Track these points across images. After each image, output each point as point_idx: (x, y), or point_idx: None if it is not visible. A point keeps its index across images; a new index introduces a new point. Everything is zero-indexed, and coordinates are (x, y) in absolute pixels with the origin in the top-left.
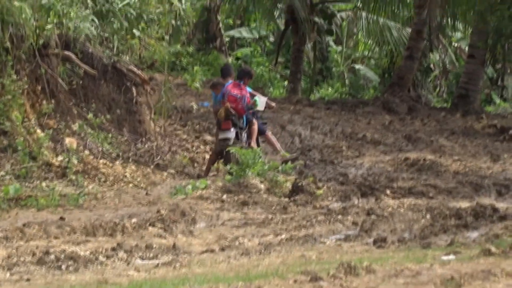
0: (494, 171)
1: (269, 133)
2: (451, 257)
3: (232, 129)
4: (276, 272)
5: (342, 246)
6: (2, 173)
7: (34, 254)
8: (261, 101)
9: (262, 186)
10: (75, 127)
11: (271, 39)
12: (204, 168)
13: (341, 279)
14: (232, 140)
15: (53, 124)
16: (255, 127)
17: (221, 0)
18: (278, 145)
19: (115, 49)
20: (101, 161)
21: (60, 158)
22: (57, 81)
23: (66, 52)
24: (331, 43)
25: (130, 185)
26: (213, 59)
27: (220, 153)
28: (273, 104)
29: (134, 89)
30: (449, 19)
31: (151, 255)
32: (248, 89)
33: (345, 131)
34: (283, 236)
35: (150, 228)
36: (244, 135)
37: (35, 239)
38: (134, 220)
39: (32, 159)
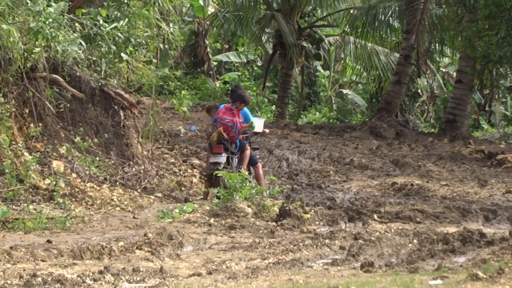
0: (481, 196)
1: (259, 166)
2: (438, 282)
3: (223, 154)
4: None
5: (329, 270)
6: None
7: (21, 277)
8: (258, 123)
9: (249, 210)
10: (62, 150)
11: (259, 63)
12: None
13: None
14: (222, 165)
15: (41, 147)
16: (248, 152)
17: (209, 24)
18: (264, 182)
19: (102, 72)
20: (88, 184)
21: (47, 181)
22: (44, 104)
23: (54, 75)
24: (319, 67)
25: (117, 208)
26: (200, 83)
27: (210, 176)
28: (267, 130)
29: (121, 113)
30: (437, 45)
31: (138, 278)
32: (244, 111)
33: (333, 156)
34: (270, 260)
35: (137, 252)
36: (235, 160)
37: (22, 262)
38: (121, 243)
39: (19, 182)
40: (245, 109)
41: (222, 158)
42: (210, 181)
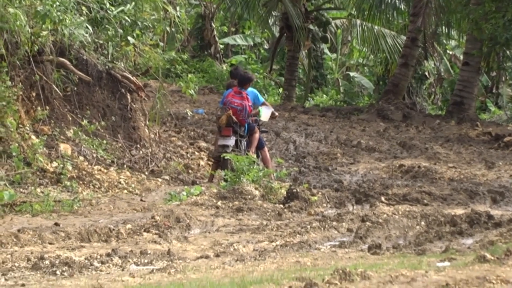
0: (489, 178)
1: (266, 150)
2: (446, 263)
3: (232, 137)
4: (271, 278)
5: (337, 253)
6: None
7: (28, 260)
8: (264, 112)
9: (257, 192)
10: (69, 133)
11: (266, 46)
12: (199, 174)
13: (336, 285)
14: (230, 148)
15: (48, 130)
16: (257, 136)
17: (216, 7)
18: (271, 165)
19: (109, 55)
20: (95, 167)
21: (54, 164)
22: (51, 88)
23: (61, 59)
24: (326, 50)
25: (125, 191)
26: (207, 66)
27: (217, 159)
28: (276, 113)
29: (128, 96)
30: (443, 27)
31: (146, 261)
32: (254, 92)
33: (340, 138)
34: (277, 242)
35: (145, 234)
36: (244, 143)
37: (30, 244)
38: (128, 226)
39: (27, 165)
40: (255, 91)
41: (231, 141)
42: (218, 163)
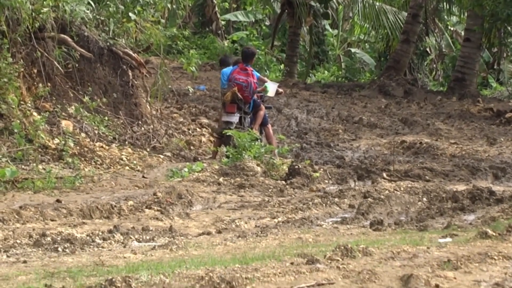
0: (490, 154)
1: (270, 127)
2: (448, 239)
3: (236, 113)
4: (273, 255)
5: (338, 229)
6: None
7: (30, 236)
8: (271, 87)
9: (258, 169)
10: (71, 110)
11: (267, 22)
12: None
13: (337, 261)
14: (234, 125)
15: (49, 107)
16: (262, 113)
17: None
18: (275, 142)
19: (111, 32)
20: (97, 144)
21: (56, 141)
22: (53, 64)
23: (62, 35)
24: (327, 26)
25: (127, 167)
26: (209, 42)
27: (221, 135)
28: (281, 90)
29: (130, 72)
30: (445, 3)
31: (148, 237)
32: (256, 74)
33: (342, 114)
34: (279, 218)
35: (147, 211)
36: (247, 120)
37: (32, 221)
38: (130, 202)
39: (29, 141)
40: (256, 73)
41: (235, 118)
42: (221, 139)
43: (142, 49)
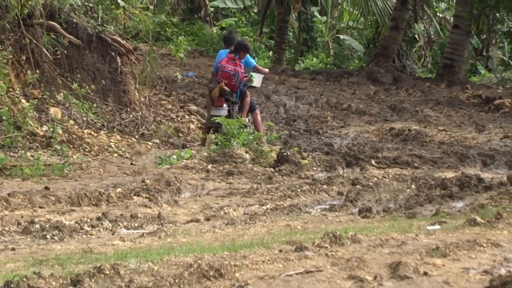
0: (479, 141)
1: (258, 113)
2: (436, 227)
3: (224, 106)
4: (262, 242)
5: (327, 216)
6: None
7: (19, 224)
8: (257, 78)
9: (247, 156)
10: (59, 97)
11: (256, 9)
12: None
13: (326, 248)
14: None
15: (38, 94)
16: (248, 100)
17: None
18: (262, 128)
19: (99, 19)
20: (85, 131)
21: (44, 128)
22: (41, 51)
23: (51, 22)
24: (316, 13)
25: (115, 155)
26: (197, 29)
27: (209, 129)
28: (266, 69)
29: (118, 59)
30: None
31: (136, 224)
32: (251, 61)
33: (330, 101)
34: (268, 206)
35: (135, 198)
36: (235, 109)
37: (20, 208)
38: (119, 189)
39: (17, 128)
40: (251, 60)
41: (224, 111)
42: (209, 129)
43: (131, 35)
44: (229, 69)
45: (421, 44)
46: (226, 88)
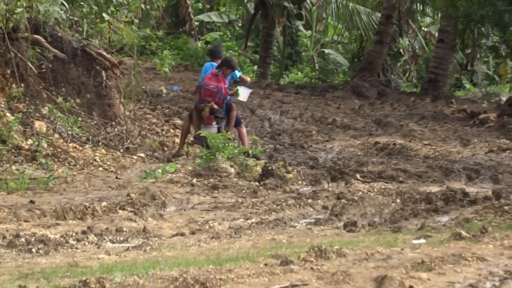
0: (464, 155)
1: (243, 127)
2: (422, 241)
3: (213, 123)
4: (247, 256)
5: (312, 230)
6: None
7: (4, 237)
8: (243, 92)
9: (232, 170)
10: (44, 110)
11: (241, 23)
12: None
13: (311, 262)
14: None
15: (23, 107)
16: (234, 113)
17: None
18: (248, 143)
19: (84, 33)
20: (70, 144)
21: (29, 141)
22: (26, 65)
23: (36, 36)
24: (301, 27)
25: (100, 168)
26: (182, 43)
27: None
28: (248, 78)
29: (103, 73)
30: (418, 4)
31: (122, 238)
32: (236, 73)
33: (315, 116)
34: (253, 219)
35: (120, 212)
36: (223, 124)
37: (5, 222)
38: (104, 203)
39: (2, 142)
40: (238, 73)
41: (213, 129)
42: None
43: (116, 49)
44: (211, 86)
45: (406, 59)
46: (216, 107)
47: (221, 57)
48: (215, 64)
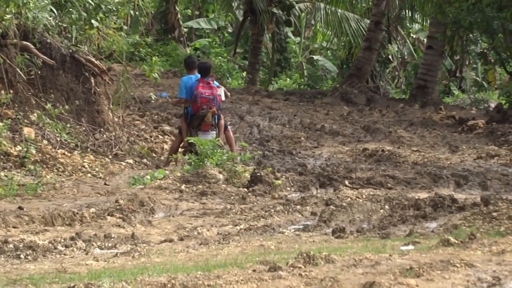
0: (452, 162)
1: (230, 130)
2: (410, 247)
3: (211, 130)
4: (235, 262)
5: (300, 236)
6: None
7: None
8: (220, 93)
9: (220, 176)
10: (33, 117)
11: (230, 29)
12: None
13: (300, 268)
14: None
15: (12, 114)
16: (223, 122)
17: None
18: (235, 147)
19: (73, 39)
20: (59, 151)
21: (18, 148)
22: (15, 71)
23: (25, 42)
24: (290, 34)
25: (89, 175)
26: (171, 49)
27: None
28: (228, 93)
29: (92, 80)
30: (407, 11)
31: (110, 244)
32: (215, 84)
33: (304, 122)
34: (241, 226)
35: (109, 218)
36: (216, 131)
37: None
38: (92, 209)
39: None
40: (215, 83)
41: (211, 136)
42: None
43: (105, 56)
44: (207, 94)
45: (395, 65)
46: (216, 113)
47: (196, 67)
48: (193, 76)
